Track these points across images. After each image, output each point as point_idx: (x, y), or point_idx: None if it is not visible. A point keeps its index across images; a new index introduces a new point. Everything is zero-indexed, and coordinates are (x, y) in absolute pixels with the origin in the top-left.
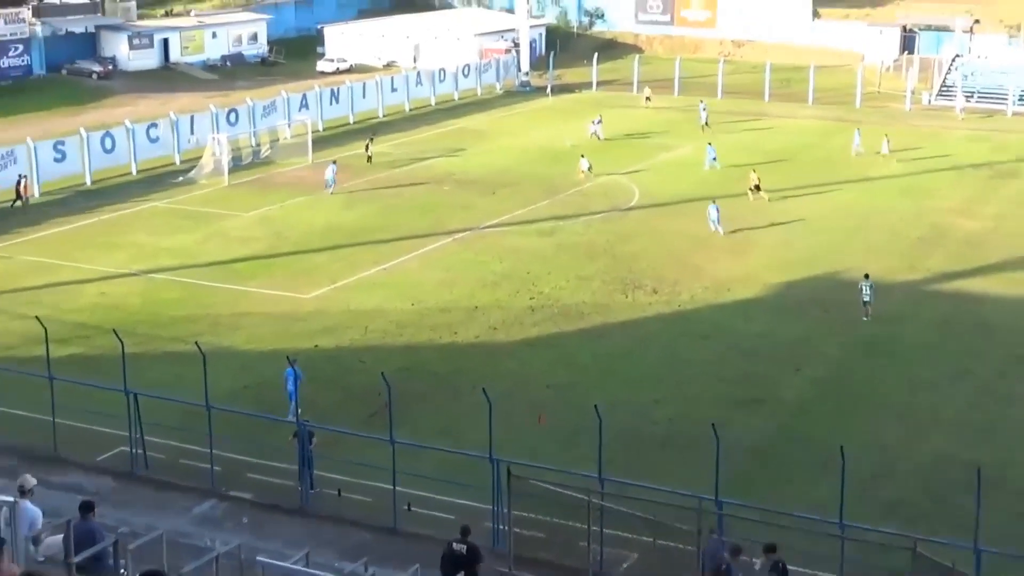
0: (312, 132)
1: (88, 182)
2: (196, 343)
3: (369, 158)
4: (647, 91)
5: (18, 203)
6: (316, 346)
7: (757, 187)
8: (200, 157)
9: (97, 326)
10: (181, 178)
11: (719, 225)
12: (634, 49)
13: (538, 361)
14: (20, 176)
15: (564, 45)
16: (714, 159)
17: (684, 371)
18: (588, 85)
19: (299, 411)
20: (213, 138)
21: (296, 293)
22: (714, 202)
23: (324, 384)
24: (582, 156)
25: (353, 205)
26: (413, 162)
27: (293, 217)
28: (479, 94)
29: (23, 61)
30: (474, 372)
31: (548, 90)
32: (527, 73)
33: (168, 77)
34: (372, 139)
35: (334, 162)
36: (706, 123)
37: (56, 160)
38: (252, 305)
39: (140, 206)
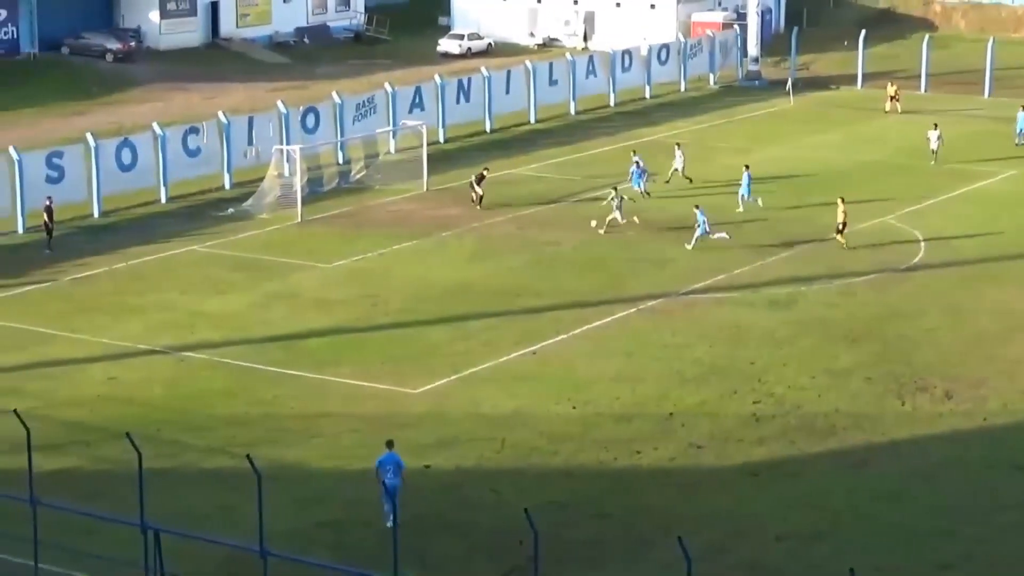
0: (429, 144)
1: (96, 212)
2: (248, 457)
3: (480, 198)
4: (891, 88)
5: None
6: (427, 467)
7: (842, 227)
8: (261, 179)
9: (102, 427)
10: (232, 210)
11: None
12: (923, 25)
13: (764, 499)
14: None
15: (815, 18)
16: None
17: (994, 520)
18: (850, 79)
19: (395, 518)
20: (281, 151)
21: (399, 386)
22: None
23: (437, 524)
24: (614, 191)
25: (487, 254)
26: (580, 192)
27: (397, 271)
28: (683, 90)
29: (6, 34)
30: (666, 513)
31: (788, 86)
32: (756, 60)
33: (217, 59)
34: (485, 173)
35: (634, 153)
36: (935, 152)
37: (50, 179)
38: (333, 402)
39: (171, 250)
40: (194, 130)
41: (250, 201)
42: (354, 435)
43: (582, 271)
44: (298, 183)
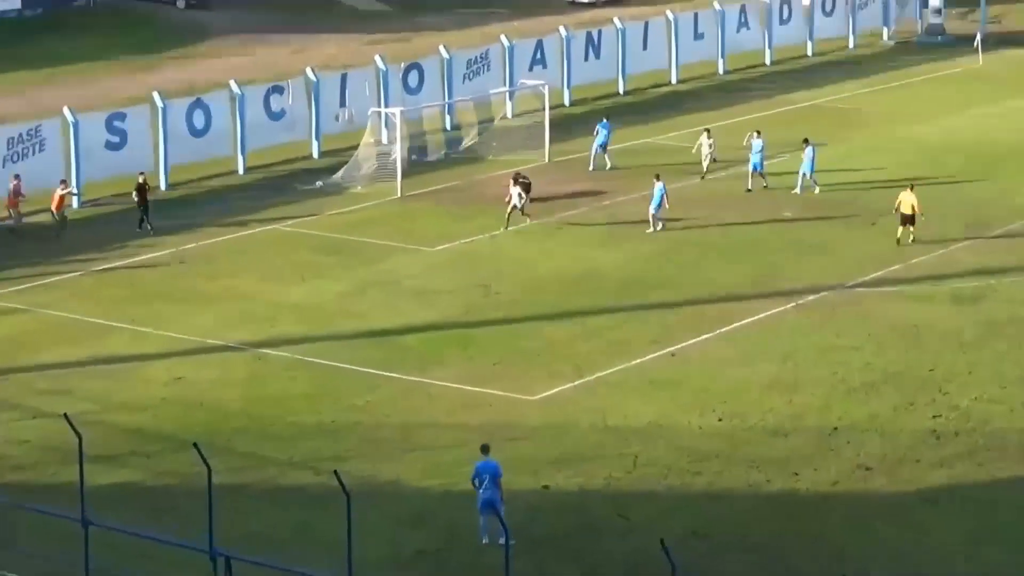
0: (551, 108)
1: (162, 185)
2: (335, 473)
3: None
4: None
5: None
6: (546, 487)
7: (910, 218)
8: (355, 148)
9: (167, 435)
10: (321, 183)
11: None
12: None
13: (945, 532)
14: (62, 183)
15: None
16: None
17: None
18: None
19: (507, 538)
20: (379, 115)
21: (513, 392)
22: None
23: (557, 554)
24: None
25: (618, 238)
26: (727, 165)
27: (512, 257)
28: (851, 47)
29: None
30: (827, 547)
31: (976, 43)
32: (939, 11)
33: (305, 7)
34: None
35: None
36: None
37: (111, 146)
38: (435, 410)
39: (249, 229)
40: (278, 89)
41: (342, 173)
42: (460, 449)
43: (731, 259)
44: (398, 152)
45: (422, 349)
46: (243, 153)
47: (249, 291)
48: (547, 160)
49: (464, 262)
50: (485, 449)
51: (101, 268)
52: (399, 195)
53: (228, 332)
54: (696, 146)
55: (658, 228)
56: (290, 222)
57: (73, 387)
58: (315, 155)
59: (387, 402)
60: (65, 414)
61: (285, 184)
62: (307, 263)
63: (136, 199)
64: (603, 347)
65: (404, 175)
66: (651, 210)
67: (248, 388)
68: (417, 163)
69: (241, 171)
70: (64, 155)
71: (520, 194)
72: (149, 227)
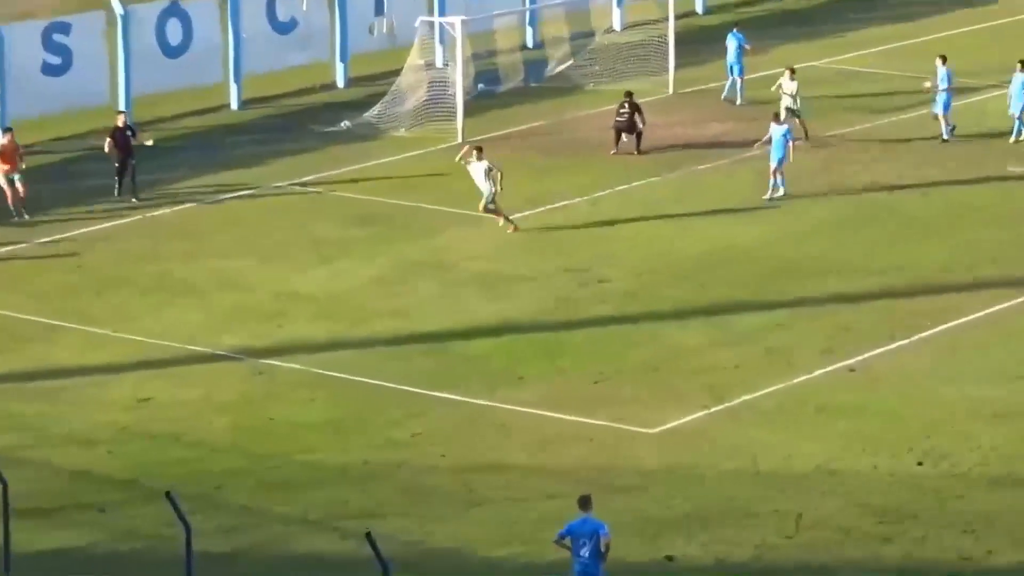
0: (677, 18)
1: (126, 123)
2: (368, 535)
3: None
4: None
5: None
6: (670, 557)
7: None
8: (397, 74)
9: (128, 480)
10: (348, 123)
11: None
12: None
13: None
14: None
15: None
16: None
17: None
18: None
19: None
20: (430, 26)
21: (623, 422)
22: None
23: None
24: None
25: (770, 206)
26: (916, 103)
27: (620, 231)
28: None
29: None
30: None
31: None
32: None
33: None
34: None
35: None
36: None
37: (48, 68)
38: (510, 447)
39: (246, 189)
40: None
41: (378, 109)
42: (546, 504)
43: (933, 233)
44: (459, 80)
45: (492, 361)
46: (238, 80)
47: (247, 277)
48: (671, 91)
49: (552, 238)
50: (584, 503)
51: (41, 244)
52: (460, 141)
53: (216, 335)
54: (775, 86)
55: (777, 193)
56: (304, 178)
57: (1, 410)
58: (340, 83)
59: (441, 435)
60: None
61: (297, 125)
62: (328, 238)
63: (109, 151)
64: (751, 359)
65: (467, 113)
66: (772, 164)
67: (244, 414)
68: (486, 95)
69: (235, 105)
70: None
71: (489, 169)
72: (133, 195)
